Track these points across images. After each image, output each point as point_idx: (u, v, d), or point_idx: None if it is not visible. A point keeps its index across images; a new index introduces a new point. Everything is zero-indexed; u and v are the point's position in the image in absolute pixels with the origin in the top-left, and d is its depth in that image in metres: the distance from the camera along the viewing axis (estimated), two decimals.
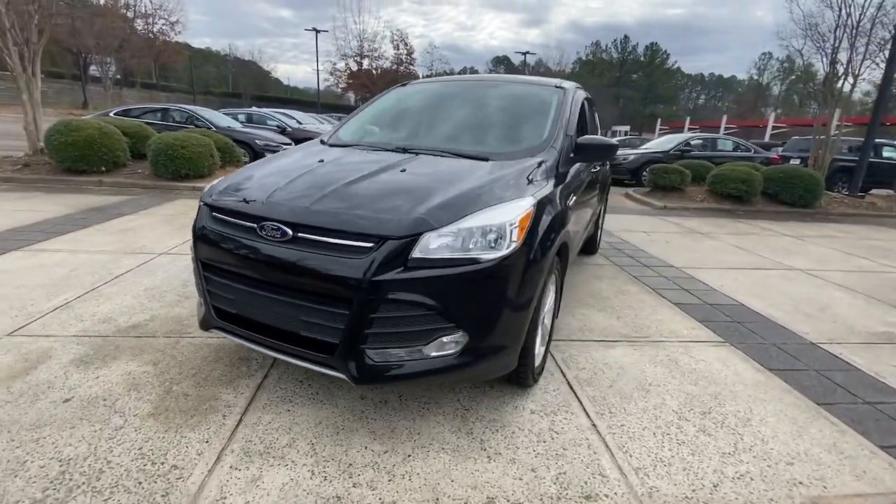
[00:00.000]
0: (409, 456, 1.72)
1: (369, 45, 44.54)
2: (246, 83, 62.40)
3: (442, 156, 2.24)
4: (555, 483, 1.63)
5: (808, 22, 9.16)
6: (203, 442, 1.73)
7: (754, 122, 41.00)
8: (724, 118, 35.47)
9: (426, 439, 1.82)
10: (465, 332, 1.62)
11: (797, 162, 11.42)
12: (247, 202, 1.78)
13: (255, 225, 1.68)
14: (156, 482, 1.53)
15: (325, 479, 1.58)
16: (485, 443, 1.82)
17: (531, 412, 2.03)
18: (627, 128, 50.53)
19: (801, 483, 1.70)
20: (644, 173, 10.78)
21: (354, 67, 44.81)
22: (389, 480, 1.60)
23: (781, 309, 3.47)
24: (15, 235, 4.13)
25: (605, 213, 5.04)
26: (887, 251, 5.75)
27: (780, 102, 56.31)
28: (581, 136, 2.55)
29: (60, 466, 1.57)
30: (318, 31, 35.97)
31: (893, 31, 8.71)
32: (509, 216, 1.70)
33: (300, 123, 14.71)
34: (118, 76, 35.07)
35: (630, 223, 6.59)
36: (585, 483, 1.64)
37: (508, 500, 1.54)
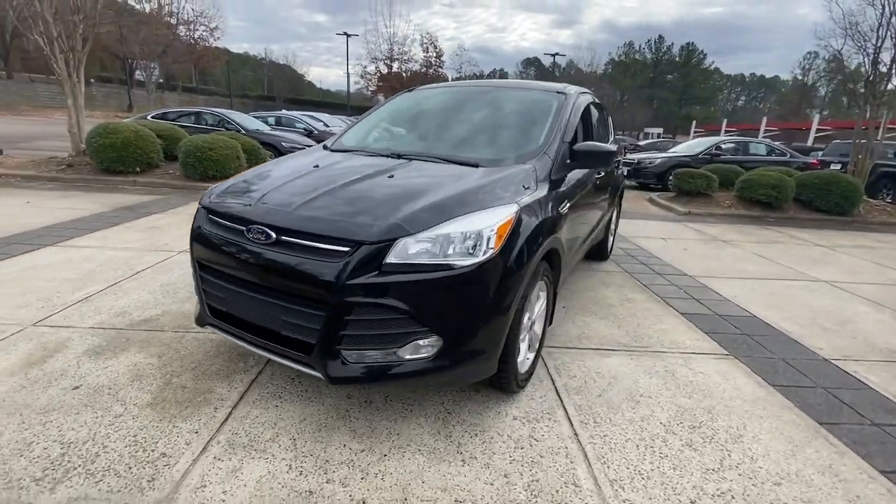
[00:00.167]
0: (385, 456, 1.76)
1: (399, 49, 45.16)
2: (280, 86, 64.37)
3: (434, 162, 2.28)
4: (525, 490, 1.63)
5: (849, 21, 8.67)
6: (193, 432, 1.82)
7: (797, 125, 39.05)
8: (764, 120, 33.96)
9: (404, 440, 1.85)
10: (440, 336, 1.65)
11: (837, 167, 10.85)
12: (238, 205, 1.87)
13: (244, 227, 1.76)
14: (144, 468, 1.63)
15: (300, 474, 1.64)
16: (462, 446, 1.84)
17: (513, 418, 2.04)
18: (660, 130, 49.21)
19: None
20: (670, 178, 10.47)
21: (384, 70, 45.50)
22: (362, 478, 1.64)
23: (797, 322, 3.33)
24: (51, 232, 4.42)
25: (618, 218, 4.95)
26: None
27: (827, 104, 53.44)
28: (579, 143, 2.53)
29: (61, 449, 1.69)
30: (348, 36, 36.73)
31: None
32: (487, 223, 1.72)
33: (326, 126, 15.06)
34: (161, 80, 36.83)
35: (648, 229, 6.43)
36: (557, 492, 1.63)
37: None
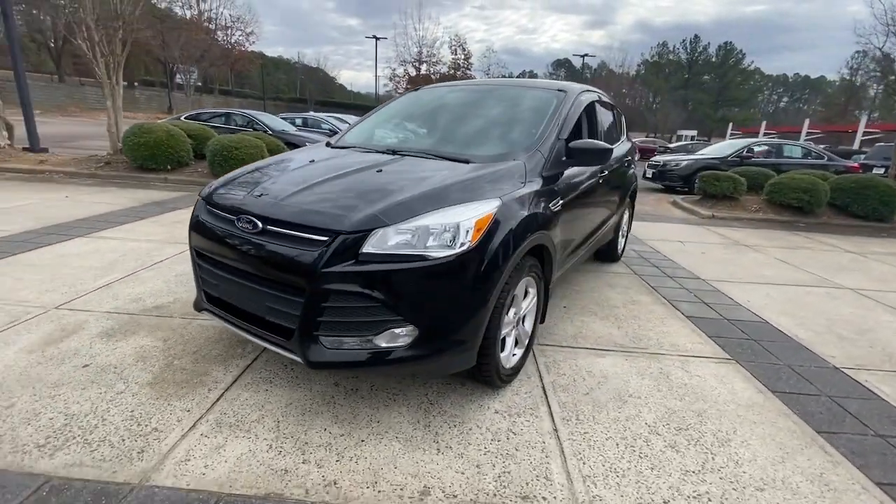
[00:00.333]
0: (363, 441, 1.81)
1: (428, 51, 45.53)
2: (311, 89, 65.99)
3: (426, 157, 2.32)
4: (495, 481, 1.65)
5: (892, 17, 8.20)
6: (185, 411, 1.92)
7: (842, 127, 37.09)
8: (806, 122, 32.36)
9: (384, 427, 1.90)
10: (415, 325, 1.69)
11: (881, 171, 10.27)
12: (231, 196, 1.97)
13: (234, 217, 1.85)
14: (136, 440, 1.73)
15: (279, 454, 1.71)
16: (439, 436, 1.87)
17: (495, 412, 2.05)
18: (694, 132, 47.73)
19: None
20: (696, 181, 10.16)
21: (413, 73, 45.99)
22: (337, 461, 1.70)
23: (811, 329, 3.19)
24: (84, 224, 4.72)
25: (631, 219, 4.86)
26: None
27: (877, 105, 50.42)
28: (574, 140, 2.52)
29: (65, 420, 1.82)
30: (377, 39, 37.33)
31: None
32: (466, 216, 1.75)
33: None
34: (199, 83, 38.43)
35: (667, 232, 6.27)
36: (527, 484, 1.64)
37: (443, 491, 1.58)
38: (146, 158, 7.65)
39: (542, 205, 2.21)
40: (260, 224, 1.77)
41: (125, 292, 3.09)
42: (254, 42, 42.56)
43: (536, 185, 2.22)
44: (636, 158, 4.75)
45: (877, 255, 5.60)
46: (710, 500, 1.63)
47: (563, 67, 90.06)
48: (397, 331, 1.70)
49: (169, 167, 7.88)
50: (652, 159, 11.93)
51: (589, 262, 4.42)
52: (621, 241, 4.56)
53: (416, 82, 45.54)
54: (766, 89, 78.39)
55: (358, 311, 1.65)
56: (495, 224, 1.83)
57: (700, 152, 12.04)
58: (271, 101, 52.34)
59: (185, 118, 11.10)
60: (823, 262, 5.13)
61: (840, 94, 62.23)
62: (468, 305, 1.76)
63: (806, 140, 23.31)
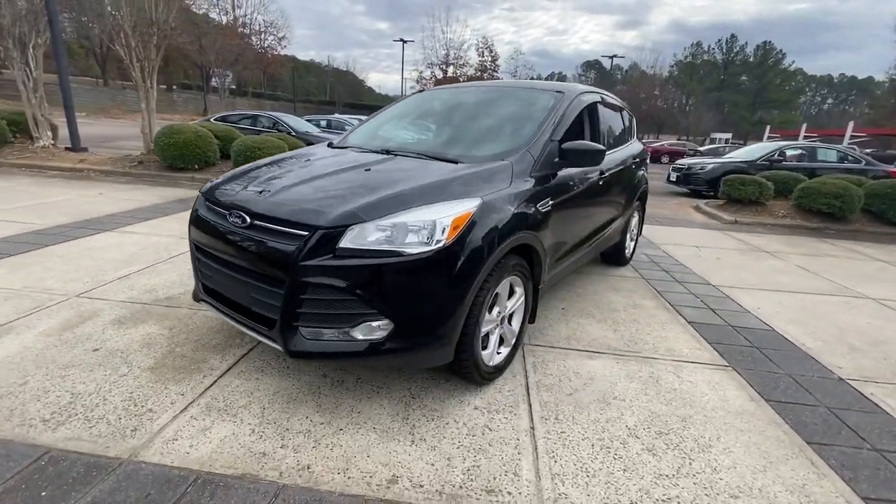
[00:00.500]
0: (342, 430, 1.88)
1: (455, 53, 45.73)
2: (341, 91, 67.37)
3: (416, 157, 2.38)
4: (464, 474, 1.68)
5: None
6: (179, 394, 2.04)
7: (891, 130, 35.03)
8: (850, 125, 30.71)
9: (363, 418, 1.96)
10: (390, 319, 1.74)
11: None
12: (226, 193, 2.08)
13: (227, 212, 1.96)
14: (131, 420, 1.85)
15: (260, 438, 1.80)
16: (415, 429, 1.91)
17: (474, 408, 2.08)
18: (729, 135, 46.09)
19: None
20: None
21: (440, 75, 46.29)
22: (314, 447, 1.77)
23: (821, 339, 3.07)
24: (112, 219, 5.00)
25: (641, 222, 4.78)
26: None
27: None
28: (570, 141, 2.52)
29: (70, 398, 1.96)
30: (404, 42, 37.77)
31: None
32: (442, 214, 1.79)
33: None
34: (233, 86, 39.82)
35: (684, 236, 6.12)
36: (494, 478, 1.67)
37: (411, 481, 1.63)
38: (175, 158, 8.02)
39: (529, 205, 2.23)
40: (248, 219, 1.86)
41: (141, 283, 3.27)
42: (285, 46, 43.81)
43: (524, 185, 2.24)
44: (647, 160, 4.67)
45: None
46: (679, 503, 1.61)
47: (594, 69, 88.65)
48: (374, 324, 1.76)
49: (196, 166, 8.22)
50: (677, 162, 11.63)
51: (595, 264, 4.38)
52: (630, 244, 4.50)
53: (442, 84, 45.81)
54: (809, 90, 74.95)
55: (335, 303, 1.72)
56: (474, 223, 1.86)
57: (728, 155, 11.66)
58: (301, 103, 53.75)
59: (214, 120, 11.56)
60: (847, 270, 4.90)
61: (889, 95, 58.79)
62: (444, 302, 1.81)
63: (850, 144, 22.15)
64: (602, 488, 1.66)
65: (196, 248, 2.19)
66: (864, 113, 61.46)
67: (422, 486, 1.61)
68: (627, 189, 3.90)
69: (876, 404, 2.33)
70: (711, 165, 10.44)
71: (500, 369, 2.28)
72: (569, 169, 2.63)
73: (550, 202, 2.40)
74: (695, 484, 1.71)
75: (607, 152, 3.37)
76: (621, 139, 3.83)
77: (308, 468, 1.66)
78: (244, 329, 1.97)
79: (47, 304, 2.83)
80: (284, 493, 1.54)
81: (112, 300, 2.96)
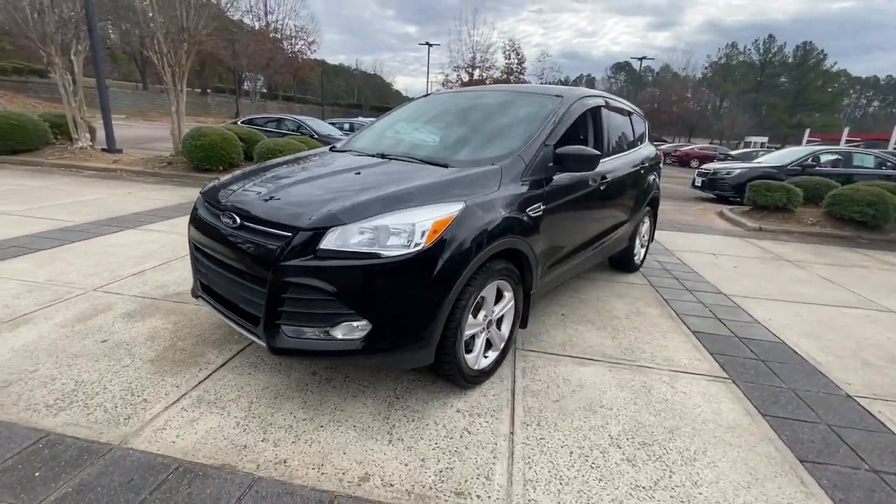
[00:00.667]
0: (322, 427, 1.93)
1: (481, 56, 45.76)
2: (368, 94, 68.40)
3: (409, 161, 2.42)
4: (436, 475, 1.70)
5: None
6: (174, 386, 2.13)
7: None
8: None
9: (345, 416, 2.00)
10: (368, 320, 1.78)
11: None
12: (222, 194, 2.16)
13: (220, 213, 2.04)
14: (126, 408, 1.95)
15: (243, 431, 1.86)
16: (394, 429, 1.94)
17: (456, 410, 2.09)
18: (765, 139, 44.38)
19: None
20: None
21: (466, 78, 46.39)
22: (293, 442, 1.82)
23: (833, 353, 2.93)
24: (137, 217, 5.25)
25: (653, 228, 4.68)
26: None
27: None
28: (563, 146, 2.50)
29: (75, 386, 2.08)
30: (430, 45, 38.06)
31: None
32: (423, 217, 1.82)
33: None
34: (264, 90, 41.01)
35: (702, 243, 5.95)
36: (465, 481, 1.68)
37: (382, 479, 1.66)
38: (201, 159, 8.34)
39: (519, 210, 2.23)
40: (238, 219, 1.94)
41: (154, 279, 3.43)
42: (315, 51, 44.83)
43: (513, 189, 2.24)
44: (660, 165, 4.58)
45: None
46: None
47: (623, 71, 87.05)
48: (355, 324, 1.80)
49: (221, 168, 8.53)
50: (702, 167, 11.29)
51: (602, 270, 4.31)
52: (640, 250, 4.41)
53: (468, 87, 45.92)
54: (853, 93, 71.33)
55: (315, 303, 1.77)
56: (455, 226, 1.88)
57: (757, 160, 11.25)
58: (329, 106, 54.82)
59: (241, 122, 11.95)
60: (875, 282, 4.65)
61: None
62: (423, 304, 1.83)
63: (894, 149, 20.97)
64: (574, 497, 1.64)
65: (194, 247, 2.28)
66: None
67: (392, 486, 1.63)
68: (635, 194, 3.83)
69: (882, 423, 2.22)
70: (738, 170, 10.09)
71: (486, 373, 2.29)
72: (565, 174, 2.61)
73: (542, 207, 2.39)
74: (672, 497, 1.67)
75: (612, 157, 3.34)
76: (628, 143, 3.77)
77: (285, 462, 1.71)
78: (234, 325, 2.04)
79: (66, 297, 3.00)
80: (258, 485, 1.59)
81: (125, 294, 3.12)
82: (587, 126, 3.12)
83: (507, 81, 44.95)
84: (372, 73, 76.82)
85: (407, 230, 1.79)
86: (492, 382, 2.34)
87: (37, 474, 1.57)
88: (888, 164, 9.98)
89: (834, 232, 6.89)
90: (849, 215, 6.92)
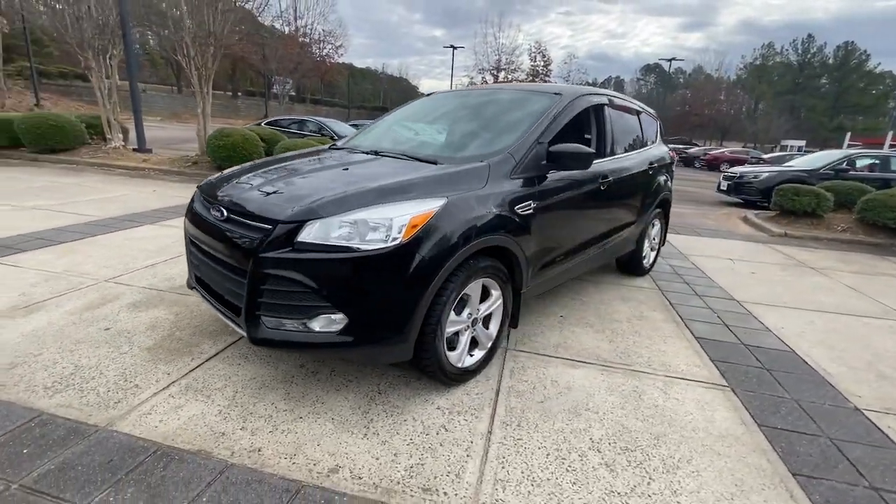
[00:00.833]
0: (301, 418, 1.95)
1: (507, 59, 45.63)
2: (394, 97, 69.10)
3: (399, 158, 2.43)
4: (406, 470, 1.69)
5: None
6: (166, 373, 2.20)
7: None
8: None
9: (326, 408, 2.02)
10: (344, 313, 1.79)
11: None
12: (216, 188, 2.22)
13: (211, 206, 2.10)
14: (118, 393, 2.03)
15: (224, 419, 1.91)
16: (372, 423, 1.95)
17: (437, 408, 2.08)
18: (802, 143, 42.52)
19: None
20: None
21: (490, 80, 46.33)
22: (270, 432, 1.85)
23: (846, 364, 2.78)
24: (157, 214, 5.46)
25: (664, 231, 4.54)
26: None
27: None
28: (556, 145, 2.47)
29: (73, 370, 2.18)
30: (454, 48, 38.21)
31: None
32: (401, 213, 1.82)
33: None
34: (292, 93, 41.99)
35: (720, 248, 5.74)
36: (435, 478, 1.67)
37: (351, 472, 1.67)
38: (224, 159, 8.60)
39: (506, 207, 2.21)
40: (226, 212, 1.99)
41: (163, 272, 3.55)
42: (342, 55, 45.55)
43: (501, 187, 2.22)
44: (673, 165, 4.45)
45: None
46: None
47: (653, 73, 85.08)
48: (333, 317, 1.82)
49: None
50: (728, 170, 10.91)
51: (608, 273, 4.22)
52: (650, 253, 4.29)
53: None
54: None
55: (293, 295, 1.79)
56: (435, 222, 1.88)
57: (787, 163, 10.79)
58: (356, 109, 55.72)
59: (265, 124, 12.28)
60: None
61: None
62: (399, 299, 1.83)
63: None
64: (543, 499, 1.61)
65: (189, 240, 2.36)
66: None
67: (360, 479, 1.64)
68: (643, 195, 3.74)
69: (890, 438, 2.08)
70: (766, 174, 9.71)
71: (470, 372, 2.27)
72: (562, 172, 2.57)
73: (533, 205, 2.36)
74: None
75: (615, 156, 3.27)
76: (636, 143, 3.68)
77: (259, 450, 1.74)
78: (221, 316, 2.10)
79: (79, 287, 3.14)
80: (229, 472, 1.62)
81: (134, 286, 3.24)
82: (588, 124, 3.06)
83: (532, 83, 44.61)
84: (398, 76, 77.63)
85: (385, 225, 1.80)
86: (477, 381, 2.32)
87: (25, 451, 1.65)
88: None
89: (865, 239, 6.54)
90: (882, 222, 6.55)
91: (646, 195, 3.78)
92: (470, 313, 2.18)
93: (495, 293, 2.30)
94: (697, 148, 32.14)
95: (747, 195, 9.88)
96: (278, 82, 37.61)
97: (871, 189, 7.45)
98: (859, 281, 4.66)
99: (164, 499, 1.49)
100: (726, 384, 2.47)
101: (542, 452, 1.84)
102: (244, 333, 1.90)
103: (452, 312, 2.06)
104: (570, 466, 1.78)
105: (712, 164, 24.61)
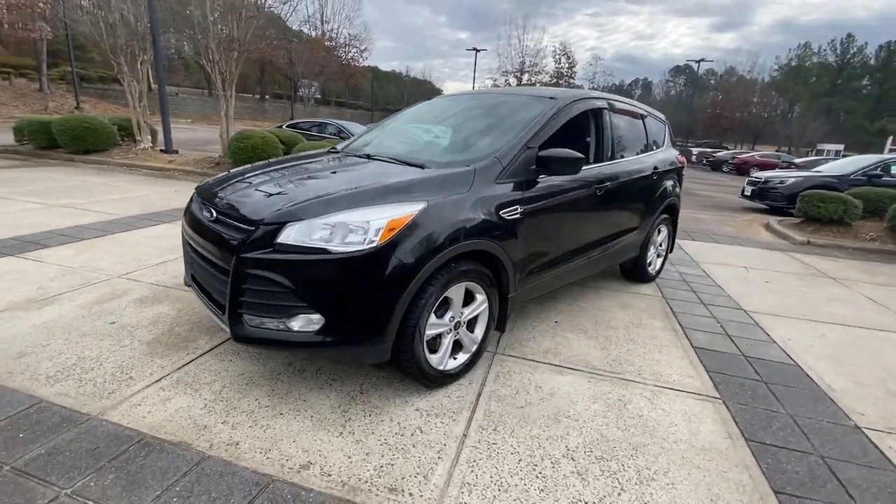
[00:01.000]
0: (282, 414, 2.00)
1: (531, 61, 45.37)
2: (417, 100, 69.62)
3: (388, 162, 2.47)
4: (374, 469, 1.72)
5: None
6: (160, 367, 2.30)
7: None
8: None
9: (306, 406, 2.07)
10: (321, 314, 1.83)
11: None
12: (211, 190, 2.31)
13: (203, 207, 2.19)
14: (113, 384, 2.13)
15: (209, 412, 1.98)
16: (349, 422, 1.98)
17: (416, 409, 2.10)
18: (840, 147, 40.68)
19: None
20: None
21: (514, 83, 46.10)
22: (250, 427, 1.91)
23: (853, 380, 2.66)
24: (175, 213, 5.67)
25: (672, 237, 4.43)
26: None
27: None
28: (546, 149, 2.46)
29: (76, 360, 2.30)
30: (476, 51, 38.34)
31: None
32: (378, 216, 1.86)
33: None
34: (318, 95, 42.85)
35: (736, 256, 5.56)
36: (402, 478, 1.69)
37: (322, 468, 1.71)
38: (244, 160, 8.84)
39: (490, 212, 2.21)
40: (215, 213, 2.07)
41: (173, 269, 3.69)
42: (366, 58, 46.22)
43: (486, 191, 2.23)
44: (681, 170, 4.35)
45: None
46: None
47: (683, 74, 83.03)
48: (311, 317, 1.87)
49: None
50: (753, 175, 10.55)
51: (612, 279, 4.15)
52: (656, 260, 4.21)
53: None
54: None
55: (273, 294, 1.85)
56: (414, 225, 1.90)
57: (816, 169, 10.35)
58: (380, 111, 56.38)
59: (286, 126, 12.59)
60: None
61: None
62: (376, 301, 1.86)
63: None
64: None
65: (184, 239, 2.45)
66: None
67: (329, 476, 1.68)
68: (646, 200, 3.67)
69: (889, 460, 1.99)
70: (793, 179, 9.35)
71: (453, 375, 2.28)
72: (554, 177, 2.56)
73: (520, 209, 2.36)
74: None
75: (614, 161, 3.23)
76: (639, 147, 3.62)
77: (236, 444, 1.80)
78: (210, 313, 2.17)
79: (92, 282, 3.31)
80: (205, 463, 1.69)
81: (144, 282, 3.39)
82: (585, 129, 3.04)
83: (556, 85, 44.23)
84: (422, 78, 78.24)
85: (363, 227, 1.84)
86: (460, 384, 2.33)
87: (21, 435, 1.76)
88: None
89: (895, 249, 6.22)
90: None
91: (650, 200, 3.71)
92: (452, 316, 2.20)
93: (480, 297, 2.31)
94: (726, 152, 31.14)
95: (773, 201, 9.53)
96: (304, 85, 38.46)
97: None
98: (882, 293, 4.44)
99: (140, 486, 1.57)
100: (718, 396, 2.40)
101: (515, 458, 1.84)
102: (228, 330, 1.97)
103: (433, 315, 2.08)
104: (540, 473, 1.77)
105: (741, 169, 23.81)
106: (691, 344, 2.99)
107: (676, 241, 5.84)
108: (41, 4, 15.68)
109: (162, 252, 4.10)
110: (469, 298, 2.28)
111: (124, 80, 9.83)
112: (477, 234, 2.13)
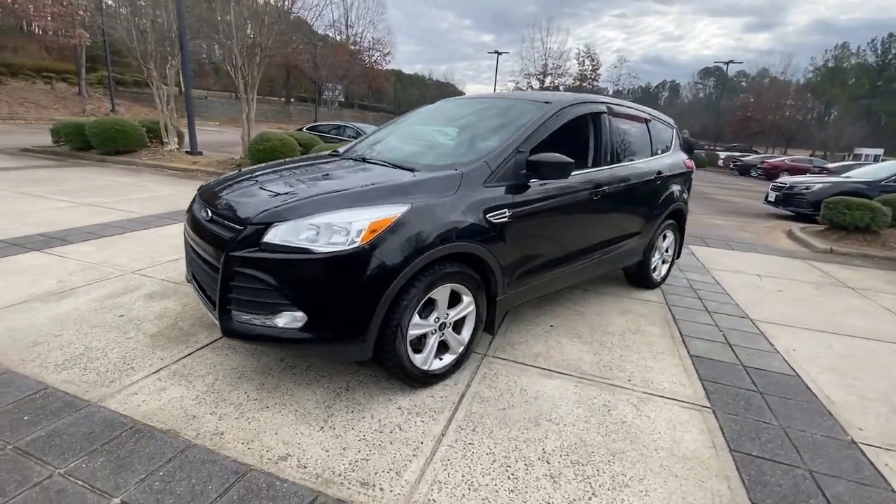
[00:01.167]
0: (268, 408, 2.08)
1: (554, 63, 45.06)
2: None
3: (381, 165, 2.53)
4: (349, 463, 1.77)
5: None
6: (160, 359, 2.41)
7: None
8: None
9: (293, 401, 2.14)
10: (303, 312, 1.90)
11: None
12: (211, 191, 2.42)
13: (202, 207, 2.29)
14: (114, 374, 2.25)
15: (199, 403, 2.07)
16: (331, 417, 2.04)
17: (398, 407, 2.15)
18: (880, 151, 38.85)
19: None
20: None
21: (536, 85, 45.86)
22: (236, 418, 1.99)
23: (856, 393, 2.57)
24: None
25: (679, 243, 4.35)
26: None
27: None
28: (537, 154, 2.47)
29: (83, 350, 2.44)
30: (498, 53, 38.31)
31: None
32: (361, 217, 1.91)
33: None
34: (341, 99, 43.60)
35: (750, 263, 5.41)
36: (375, 473, 1.73)
37: (299, 461, 1.77)
38: (262, 161, 9.10)
39: (477, 215, 2.24)
40: (210, 213, 2.17)
41: (183, 266, 3.82)
42: (389, 62, 46.81)
43: (473, 195, 2.26)
44: (689, 175, 4.27)
45: None
46: None
47: (712, 76, 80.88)
48: (295, 314, 1.93)
49: None
50: (777, 180, 10.21)
51: (615, 284, 4.11)
52: (662, 266, 4.14)
53: None
54: None
55: (259, 291, 1.93)
56: (396, 227, 1.95)
57: (846, 174, 9.94)
58: (402, 114, 57.07)
59: (306, 129, 12.89)
60: None
61: None
62: (357, 300, 1.92)
63: None
64: (476, 503, 1.63)
65: (185, 238, 2.57)
66: None
67: (305, 468, 1.73)
68: (649, 205, 3.62)
69: (884, 477, 1.92)
70: (820, 185, 9.01)
71: (437, 376, 2.31)
72: (546, 181, 2.57)
73: (508, 213, 2.37)
74: None
75: (613, 165, 3.21)
76: (642, 151, 3.58)
77: (221, 434, 1.88)
78: (205, 308, 2.27)
79: (108, 277, 3.48)
80: (189, 451, 1.77)
81: (155, 278, 3.55)
82: (582, 133, 3.03)
83: (579, 88, 43.74)
84: (444, 81, 78.64)
85: (346, 228, 1.89)
86: (445, 385, 2.36)
87: (25, 418, 1.88)
88: None
89: None
90: None
91: (653, 204, 3.66)
92: (437, 317, 2.23)
93: (467, 299, 2.34)
94: (755, 156, 30.16)
95: (797, 207, 9.21)
96: (328, 88, 39.21)
97: None
98: None
99: (127, 469, 1.66)
100: (709, 406, 2.36)
101: (489, 458, 1.86)
102: (218, 325, 2.06)
103: (417, 316, 2.12)
104: (512, 474, 1.78)
105: (770, 174, 23.01)
106: (688, 352, 2.94)
107: (689, 247, 5.73)
108: (81, 12, 16.50)
109: (176, 250, 4.27)
110: (455, 300, 2.31)
111: (153, 83, 10.26)
112: (462, 237, 2.16)
